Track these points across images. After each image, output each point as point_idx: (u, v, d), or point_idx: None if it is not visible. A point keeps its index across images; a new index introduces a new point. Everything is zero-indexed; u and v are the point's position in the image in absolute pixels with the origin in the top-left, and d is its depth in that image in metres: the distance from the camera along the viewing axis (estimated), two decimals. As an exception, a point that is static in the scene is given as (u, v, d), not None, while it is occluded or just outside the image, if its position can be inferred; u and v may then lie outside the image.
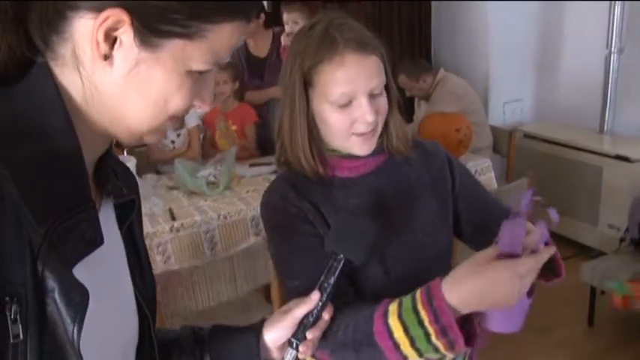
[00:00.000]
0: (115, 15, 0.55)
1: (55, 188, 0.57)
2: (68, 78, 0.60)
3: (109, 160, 0.71)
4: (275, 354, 0.88)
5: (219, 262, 1.99)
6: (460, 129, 2.94)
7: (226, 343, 0.89)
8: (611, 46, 3.42)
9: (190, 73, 0.61)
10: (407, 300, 0.89)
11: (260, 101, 3.53)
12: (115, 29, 0.56)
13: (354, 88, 0.97)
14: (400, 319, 0.87)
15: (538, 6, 3.99)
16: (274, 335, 0.87)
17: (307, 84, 1.01)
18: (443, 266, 1.12)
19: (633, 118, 3.49)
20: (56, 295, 0.56)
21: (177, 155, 3.04)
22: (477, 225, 1.17)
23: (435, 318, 0.84)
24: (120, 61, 0.58)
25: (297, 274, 1.03)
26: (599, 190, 3.33)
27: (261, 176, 2.91)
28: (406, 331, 0.86)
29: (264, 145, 3.51)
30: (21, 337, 0.54)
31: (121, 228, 0.73)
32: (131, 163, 2.56)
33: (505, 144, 3.63)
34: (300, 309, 0.87)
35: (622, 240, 2.79)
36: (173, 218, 2.36)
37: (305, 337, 0.86)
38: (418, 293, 0.88)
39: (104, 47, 0.57)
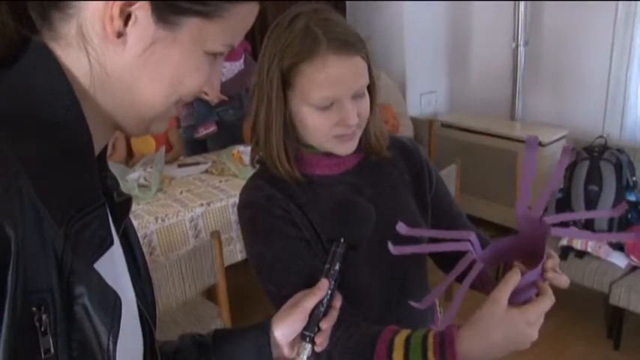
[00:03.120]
0: None
1: (69, 185, 0.52)
2: (73, 60, 0.54)
3: (106, 154, 0.66)
4: (286, 350, 0.83)
5: (165, 266, 1.92)
6: (387, 120, 3.03)
7: (234, 347, 0.84)
8: (517, 39, 3.63)
9: (207, 55, 0.58)
10: (416, 339, 0.87)
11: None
12: (131, 4, 0.52)
13: (337, 91, 0.92)
14: (406, 357, 0.86)
15: (448, 5, 4.17)
16: (285, 331, 0.82)
17: (286, 84, 0.94)
18: (421, 265, 1.14)
19: (540, 105, 3.74)
20: (86, 301, 0.51)
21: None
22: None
23: None
24: (134, 40, 0.53)
25: (283, 281, 0.97)
26: (515, 174, 3.53)
27: (191, 176, 2.84)
28: None
29: (190, 146, 3.42)
30: (52, 351, 0.48)
31: (116, 229, 0.67)
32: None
33: (425, 133, 3.76)
34: (310, 300, 0.81)
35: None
36: (107, 224, 2.24)
37: (319, 329, 0.81)
38: (431, 338, 0.86)
39: (118, 24, 0.52)
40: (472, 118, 3.99)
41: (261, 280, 1.02)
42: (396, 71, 4.19)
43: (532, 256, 0.86)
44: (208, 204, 2.44)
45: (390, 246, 0.89)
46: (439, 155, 3.68)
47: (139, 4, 0.52)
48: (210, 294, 2.49)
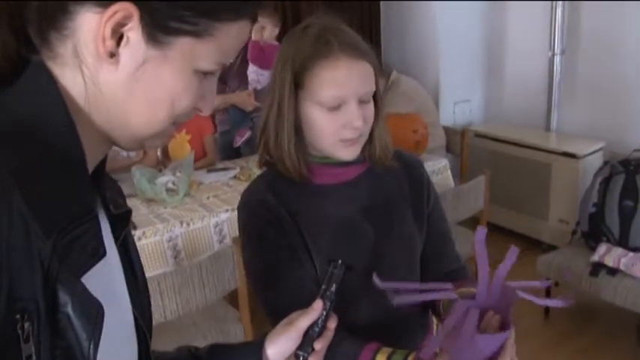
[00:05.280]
0: (124, 9, 0.53)
1: (60, 197, 0.54)
2: (69, 78, 0.56)
3: (104, 168, 0.68)
4: None
5: (186, 270, 1.95)
6: (417, 130, 2.99)
7: None
8: (554, 48, 3.56)
9: (197, 73, 0.59)
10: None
11: (221, 107, 3.50)
12: (123, 25, 0.54)
13: (345, 91, 0.96)
14: None
15: (483, 11, 4.12)
16: (278, 349, 0.82)
17: (297, 85, 0.98)
18: (415, 279, 1.13)
19: (576, 116, 3.65)
20: (69, 310, 0.52)
21: (132, 164, 2.96)
22: (427, 256, 1.16)
23: None
24: (126, 60, 0.55)
25: (271, 286, 1.00)
26: (549, 186, 3.45)
27: (219, 182, 2.88)
28: None
29: (225, 151, 3.48)
30: (34, 357, 0.50)
31: (115, 241, 0.69)
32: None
33: (457, 143, 3.71)
34: (304, 320, 0.82)
35: (574, 233, 2.89)
36: (134, 227, 2.29)
37: (313, 349, 0.81)
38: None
39: (110, 44, 0.54)
40: (506, 128, 3.92)
41: (250, 282, 1.06)
42: (429, 79, 4.16)
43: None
44: (233, 210, 2.47)
45: (388, 291, 0.89)
46: (472, 166, 3.62)
47: (130, 25, 0.54)
48: (232, 298, 2.51)
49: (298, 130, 1.02)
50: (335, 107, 0.97)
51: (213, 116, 3.57)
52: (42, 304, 0.51)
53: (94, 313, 0.55)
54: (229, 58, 0.62)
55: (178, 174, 2.68)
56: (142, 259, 2.48)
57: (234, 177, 2.92)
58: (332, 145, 1.01)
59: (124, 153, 3.11)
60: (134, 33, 0.54)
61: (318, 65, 0.95)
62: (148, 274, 2.34)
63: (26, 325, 0.49)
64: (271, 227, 1.01)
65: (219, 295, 2.07)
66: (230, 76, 3.46)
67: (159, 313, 1.90)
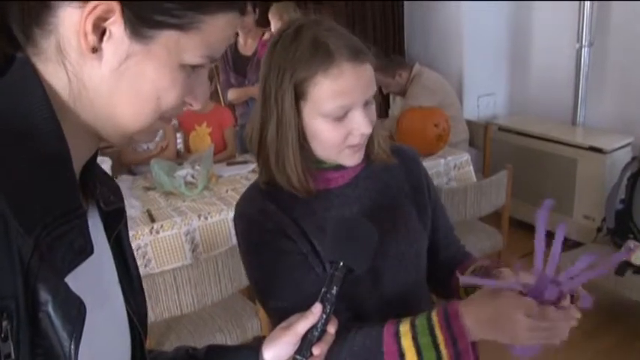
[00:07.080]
0: (104, 4, 0.52)
1: (44, 194, 0.53)
2: (52, 74, 0.55)
3: (95, 164, 0.67)
4: None
5: (202, 264, 1.95)
6: (438, 123, 2.94)
7: None
8: (582, 40, 3.46)
9: (183, 67, 0.58)
10: (421, 321, 0.89)
11: (241, 100, 3.50)
12: (105, 19, 0.53)
13: (351, 100, 0.91)
14: (415, 340, 0.87)
15: (509, 3, 4.03)
16: (275, 353, 0.81)
17: (298, 96, 0.92)
18: (423, 275, 1.12)
19: (604, 110, 3.55)
20: (50, 309, 0.51)
21: (151, 156, 2.97)
22: (436, 246, 1.14)
23: (453, 342, 0.85)
24: (109, 55, 0.54)
25: (279, 295, 0.97)
26: (574, 182, 3.37)
27: (238, 175, 2.87)
28: (419, 353, 0.87)
29: (243, 144, 3.48)
30: (12, 356, 0.49)
31: (108, 238, 0.68)
32: (106, 164, 2.49)
33: (480, 137, 3.65)
34: (302, 323, 0.80)
35: (599, 230, 2.82)
36: (152, 220, 2.30)
37: (311, 354, 0.79)
38: (435, 315, 0.88)
39: (92, 39, 0.53)
40: (531, 122, 3.84)
41: (257, 293, 1.03)
42: (453, 72, 4.10)
43: None
44: (251, 203, 2.46)
45: (460, 277, 0.90)
46: (495, 160, 3.56)
47: (112, 19, 0.53)
48: (249, 292, 2.51)
49: (302, 138, 0.96)
50: (341, 116, 0.92)
51: (233, 109, 3.58)
52: (22, 302, 0.50)
53: (74, 311, 0.53)
54: (217, 51, 0.60)
55: (197, 167, 2.68)
56: (159, 252, 2.50)
57: (253, 170, 2.92)
58: (338, 153, 0.97)
59: (144, 146, 3.12)
60: (117, 27, 0.53)
61: (320, 76, 0.89)
62: (164, 268, 2.34)
63: (4, 323, 0.48)
64: (275, 235, 0.98)
65: (235, 289, 2.06)
66: (249, 69, 3.46)
67: (175, 306, 1.90)
